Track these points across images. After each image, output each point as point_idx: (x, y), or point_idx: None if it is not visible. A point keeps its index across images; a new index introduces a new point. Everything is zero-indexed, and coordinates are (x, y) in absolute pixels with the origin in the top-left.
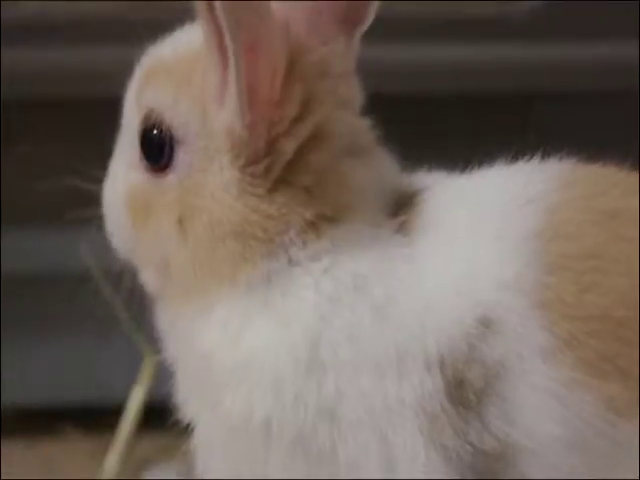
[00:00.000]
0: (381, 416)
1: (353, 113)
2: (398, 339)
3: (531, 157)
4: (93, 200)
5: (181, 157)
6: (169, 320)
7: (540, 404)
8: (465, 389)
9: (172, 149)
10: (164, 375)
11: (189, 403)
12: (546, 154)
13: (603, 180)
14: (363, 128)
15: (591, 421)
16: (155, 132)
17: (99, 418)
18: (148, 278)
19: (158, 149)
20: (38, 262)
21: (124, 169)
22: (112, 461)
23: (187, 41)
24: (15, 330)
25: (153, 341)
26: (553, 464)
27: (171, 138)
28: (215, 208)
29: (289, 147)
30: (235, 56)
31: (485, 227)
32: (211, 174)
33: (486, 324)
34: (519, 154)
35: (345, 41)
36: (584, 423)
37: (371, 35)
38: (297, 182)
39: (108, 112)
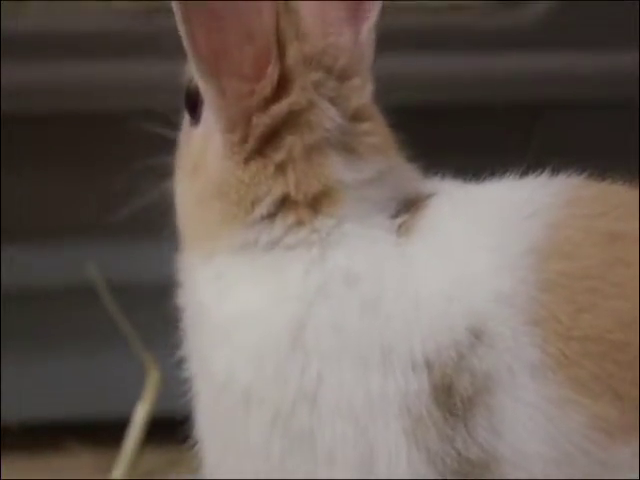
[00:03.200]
0: (363, 409)
1: (346, 112)
2: (384, 336)
3: (538, 170)
4: (94, 214)
5: (205, 115)
6: (183, 268)
7: (527, 420)
8: (453, 395)
9: (201, 106)
10: (169, 389)
11: (190, 358)
12: (552, 166)
13: (608, 200)
14: (361, 130)
15: (579, 441)
16: (192, 88)
17: (104, 432)
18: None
19: (193, 104)
20: (44, 277)
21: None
22: (117, 475)
23: None
24: (20, 344)
25: (157, 355)
26: None
27: (199, 96)
28: (209, 165)
29: (261, 122)
30: (182, 22)
31: (484, 237)
32: (213, 135)
33: (477, 335)
34: (524, 164)
35: (351, 36)
36: (571, 443)
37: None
38: (270, 157)
39: (109, 126)
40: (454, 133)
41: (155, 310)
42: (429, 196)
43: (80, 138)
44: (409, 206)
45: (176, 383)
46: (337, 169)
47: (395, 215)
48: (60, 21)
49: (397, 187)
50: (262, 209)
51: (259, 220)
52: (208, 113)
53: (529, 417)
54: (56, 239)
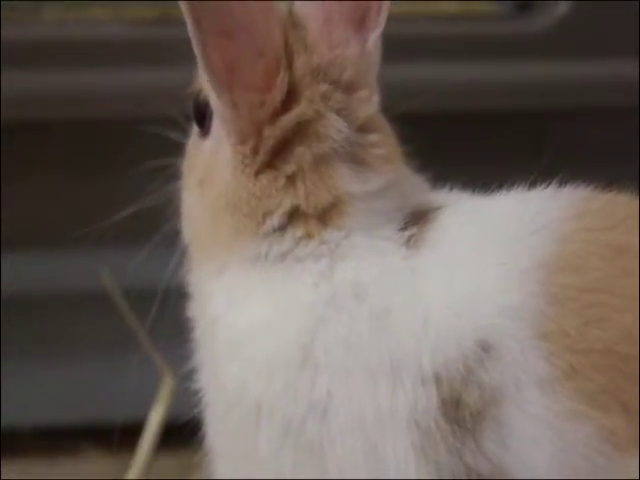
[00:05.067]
0: (372, 424)
1: (353, 123)
2: (393, 350)
3: (547, 180)
4: (96, 219)
5: (214, 127)
6: (193, 281)
7: (535, 432)
8: (461, 409)
9: (210, 118)
10: (183, 394)
11: (201, 370)
12: (563, 174)
13: (615, 213)
14: (368, 141)
15: (586, 453)
16: (201, 101)
17: (119, 437)
18: (186, 238)
19: (202, 116)
20: (61, 283)
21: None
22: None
23: None
24: (35, 349)
25: (171, 360)
26: None
27: (208, 108)
28: (219, 178)
29: (271, 133)
30: (195, 38)
31: (493, 251)
32: (223, 148)
33: (485, 348)
34: (536, 173)
35: (357, 48)
36: (578, 455)
37: (384, 54)
38: (281, 169)
39: (110, 134)
40: (466, 141)
41: (169, 315)
42: (438, 208)
43: (83, 145)
44: (418, 218)
45: (190, 388)
46: (345, 181)
47: (404, 227)
48: (70, 29)
49: (405, 198)
50: (273, 221)
51: (270, 232)
52: (218, 125)
53: (537, 430)
54: (69, 246)
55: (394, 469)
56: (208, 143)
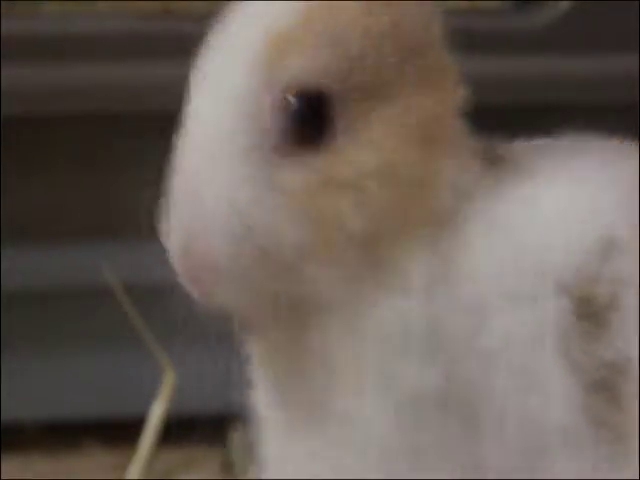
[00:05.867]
0: (525, 345)
1: None
2: (532, 264)
3: None
4: (98, 214)
5: (342, 115)
6: (333, 300)
7: None
8: (592, 305)
9: (329, 112)
10: (185, 388)
11: (347, 392)
12: None
13: None
14: None
15: None
16: (305, 101)
17: (121, 432)
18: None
19: (311, 118)
20: (60, 278)
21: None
22: (133, 475)
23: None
24: (37, 344)
25: (172, 355)
26: None
27: (328, 99)
28: (391, 153)
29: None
30: None
31: (594, 159)
32: (383, 117)
33: (608, 243)
34: None
35: None
36: None
37: None
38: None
39: (111, 128)
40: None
41: (170, 310)
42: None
43: (84, 139)
44: (494, 160)
45: (191, 383)
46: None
47: (491, 164)
48: (71, 22)
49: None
50: (459, 162)
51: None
52: (353, 106)
53: None
54: (70, 241)
55: (543, 385)
56: (340, 140)
